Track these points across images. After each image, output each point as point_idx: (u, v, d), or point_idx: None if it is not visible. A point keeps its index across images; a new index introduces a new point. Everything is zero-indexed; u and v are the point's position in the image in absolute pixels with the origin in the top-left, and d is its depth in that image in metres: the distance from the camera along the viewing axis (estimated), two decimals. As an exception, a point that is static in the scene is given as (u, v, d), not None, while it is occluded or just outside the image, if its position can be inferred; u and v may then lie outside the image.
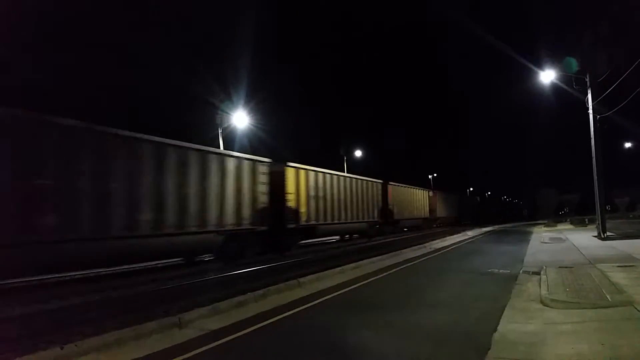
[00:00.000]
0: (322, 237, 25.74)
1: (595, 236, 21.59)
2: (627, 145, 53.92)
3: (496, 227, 50.10)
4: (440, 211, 51.63)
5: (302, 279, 11.14)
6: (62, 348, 5.76)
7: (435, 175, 71.51)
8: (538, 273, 11.12)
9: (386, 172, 39.30)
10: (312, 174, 23.03)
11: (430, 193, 48.28)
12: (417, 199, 42.55)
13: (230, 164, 16.54)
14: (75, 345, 5.92)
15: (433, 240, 25.22)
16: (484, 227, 47.48)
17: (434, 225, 48.49)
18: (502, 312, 7.44)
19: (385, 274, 13.10)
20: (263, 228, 18.04)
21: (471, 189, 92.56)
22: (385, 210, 33.39)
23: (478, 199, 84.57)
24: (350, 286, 10.98)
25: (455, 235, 30.40)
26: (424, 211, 44.79)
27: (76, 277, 13.48)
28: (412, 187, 41.70)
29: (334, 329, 7.17)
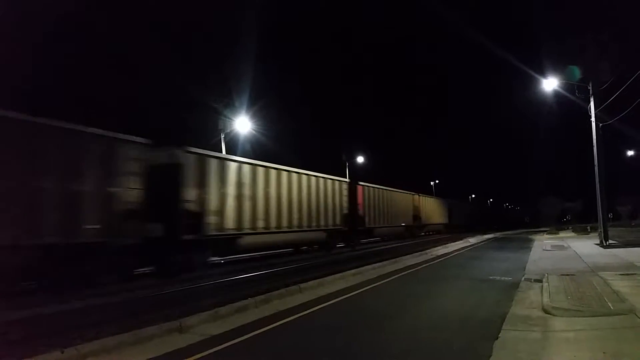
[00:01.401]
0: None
1: (597, 244, 21.55)
2: (630, 153, 53.83)
3: (498, 234, 49.97)
4: (429, 218, 46.62)
5: (303, 285, 11.13)
6: (62, 352, 5.75)
7: (437, 181, 71.59)
8: (540, 280, 11.09)
9: (386, 177, 39.22)
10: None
11: (416, 197, 43.00)
12: (398, 204, 37.48)
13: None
14: (76, 349, 5.91)
15: (434, 247, 25.17)
16: (486, 234, 47.38)
17: (422, 234, 44.30)
18: (504, 320, 7.42)
19: (385, 280, 13.08)
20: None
21: (473, 195, 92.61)
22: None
23: (468, 206, 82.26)
24: (350, 292, 10.96)
25: (456, 242, 30.34)
26: (407, 218, 39.53)
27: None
28: (391, 189, 36.37)
29: (334, 335, 7.16)
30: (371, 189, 31.30)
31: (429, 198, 47.20)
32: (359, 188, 29.28)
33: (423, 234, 45.10)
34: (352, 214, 27.45)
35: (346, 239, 27.08)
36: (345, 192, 26.46)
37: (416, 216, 41.47)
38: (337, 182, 25.79)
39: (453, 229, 52.66)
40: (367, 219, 29.86)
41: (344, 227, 25.92)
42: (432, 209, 47.81)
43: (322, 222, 23.45)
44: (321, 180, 23.96)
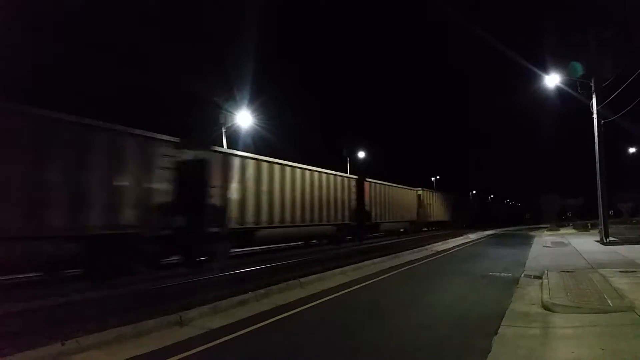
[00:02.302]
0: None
1: (597, 241, 21.54)
2: (632, 150, 53.73)
3: (499, 230, 49.99)
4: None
5: (303, 279, 11.16)
6: (63, 344, 5.78)
7: (438, 177, 71.52)
8: (540, 277, 11.10)
9: (387, 174, 38.71)
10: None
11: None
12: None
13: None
14: (77, 342, 5.94)
15: (435, 242, 25.21)
16: (487, 230, 47.40)
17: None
18: (503, 316, 7.43)
19: (385, 275, 13.10)
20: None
21: (474, 192, 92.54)
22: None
23: (475, 201, 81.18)
24: (351, 287, 10.98)
25: (457, 238, 30.38)
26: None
27: (76, 274, 13.50)
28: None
29: (333, 330, 7.18)
30: (251, 162, 17.99)
31: (386, 186, 33.76)
32: (218, 159, 16.26)
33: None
34: (205, 204, 15.32)
35: (188, 247, 14.80)
36: (165, 164, 13.63)
37: (362, 211, 28.35)
38: (148, 141, 13.26)
39: (430, 227, 45.41)
40: (243, 212, 17.20)
41: (193, 226, 14.41)
42: (391, 201, 34.32)
43: (91, 221, 11.43)
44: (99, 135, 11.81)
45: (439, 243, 25.21)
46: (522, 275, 11.84)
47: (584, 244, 20.60)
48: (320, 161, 25.27)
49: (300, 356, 6.00)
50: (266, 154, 20.07)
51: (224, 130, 24.17)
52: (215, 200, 15.83)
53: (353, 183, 27.40)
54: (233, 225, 16.70)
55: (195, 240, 14.78)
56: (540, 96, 26.27)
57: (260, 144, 28.40)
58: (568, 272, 11.55)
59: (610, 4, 21.30)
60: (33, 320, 7.52)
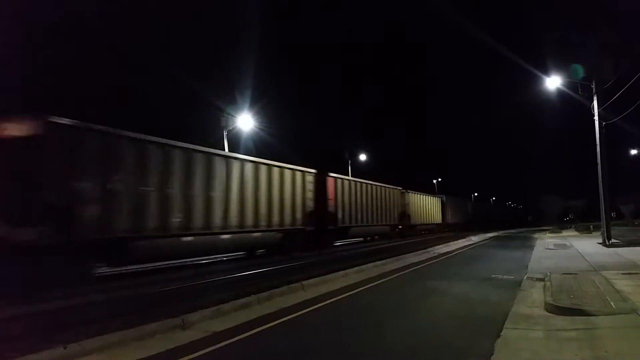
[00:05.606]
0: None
1: (600, 243, 21.50)
2: (634, 151, 53.62)
3: (501, 232, 49.92)
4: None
5: (305, 282, 11.13)
6: (65, 348, 5.77)
7: (439, 179, 71.39)
8: (542, 279, 11.08)
9: (388, 175, 38.34)
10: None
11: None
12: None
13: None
14: (79, 345, 5.93)
15: (437, 245, 25.17)
16: (489, 232, 47.34)
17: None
18: (506, 318, 7.42)
19: (388, 278, 13.09)
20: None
21: (475, 194, 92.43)
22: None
23: (475, 203, 78.90)
24: (353, 290, 10.97)
25: (459, 241, 30.33)
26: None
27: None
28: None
29: (336, 333, 7.18)
30: (126, 143, 12.95)
31: (360, 183, 28.68)
32: (59, 136, 11.27)
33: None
34: (31, 204, 10.68)
35: None
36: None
37: (324, 213, 23.68)
38: None
39: (421, 232, 41.13)
40: (110, 214, 12.41)
41: None
42: (367, 201, 29.28)
43: None
44: None
45: (441, 245, 25.17)
46: (525, 278, 11.82)
47: (586, 246, 20.56)
48: (319, 164, 25.22)
49: (302, 359, 6.00)
50: (266, 156, 20.00)
51: (225, 134, 24.19)
52: (50, 197, 10.94)
53: (310, 178, 22.29)
54: (89, 233, 11.75)
55: (8, 257, 10.03)
56: (542, 98, 26.30)
57: (261, 147, 28.43)
58: (570, 274, 11.53)
59: (611, 6, 21.32)
60: (35, 324, 7.51)
